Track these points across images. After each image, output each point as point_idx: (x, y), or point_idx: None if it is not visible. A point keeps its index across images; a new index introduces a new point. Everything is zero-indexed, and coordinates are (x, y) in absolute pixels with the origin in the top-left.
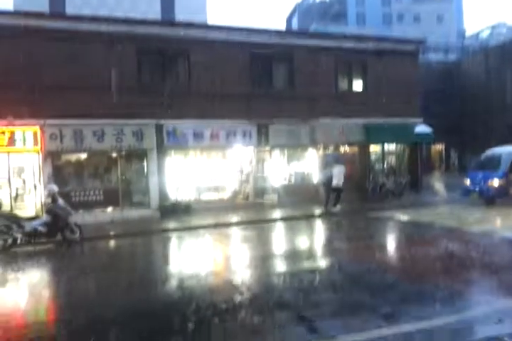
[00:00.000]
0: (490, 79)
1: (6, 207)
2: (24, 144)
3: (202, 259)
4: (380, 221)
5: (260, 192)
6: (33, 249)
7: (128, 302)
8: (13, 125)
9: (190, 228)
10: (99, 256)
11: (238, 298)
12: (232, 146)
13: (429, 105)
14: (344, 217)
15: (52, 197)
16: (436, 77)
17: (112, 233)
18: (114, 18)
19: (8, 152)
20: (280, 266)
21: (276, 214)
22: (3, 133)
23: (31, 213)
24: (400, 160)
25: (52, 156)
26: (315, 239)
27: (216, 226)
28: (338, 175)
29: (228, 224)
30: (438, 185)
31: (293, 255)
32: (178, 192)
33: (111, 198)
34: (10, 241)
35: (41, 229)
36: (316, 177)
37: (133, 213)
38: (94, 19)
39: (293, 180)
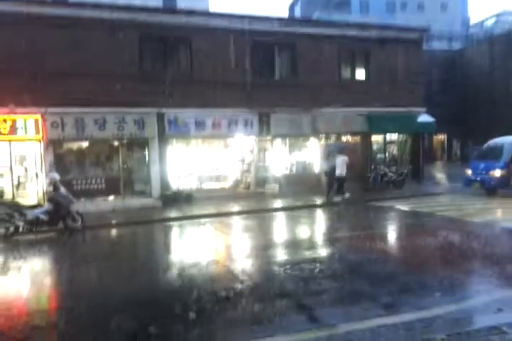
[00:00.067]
0: (494, 68)
1: (8, 196)
2: (26, 132)
3: (203, 248)
4: (381, 211)
5: (261, 181)
6: (35, 237)
7: (129, 290)
8: (15, 113)
9: (192, 217)
10: (100, 244)
11: (239, 287)
12: (233, 135)
13: (432, 94)
14: (345, 206)
15: (54, 185)
16: (440, 66)
17: (113, 221)
18: (116, 5)
19: (10, 140)
20: (281, 255)
21: (278, 203)
22: (5, 121)
23: (33, 201)
24: (402, 150)
25: (53, 144)
26: (316, 228)
27: (217, 215)
28: (341, 165)
29: (229, 214)
30: (440, 175)
31: (294, 244)
32: (179, 181)
33: (112, 187)
34: (12, 229)
35: (43, 217)
36: (317, 166)
37: (134, 202)
38: (96, 6)
39: (294, 170)
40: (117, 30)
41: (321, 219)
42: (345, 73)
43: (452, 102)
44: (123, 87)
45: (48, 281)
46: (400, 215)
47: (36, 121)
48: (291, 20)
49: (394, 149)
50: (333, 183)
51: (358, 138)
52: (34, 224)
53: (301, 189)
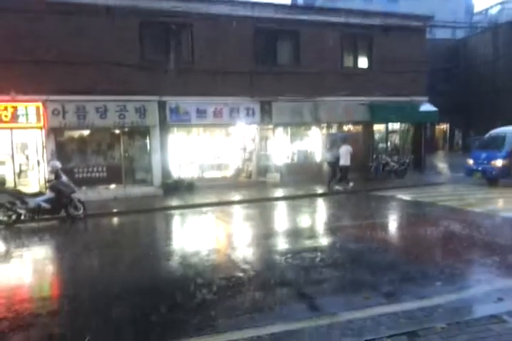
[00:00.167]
0: (498, 57)
1: (10, 183)
2: (27, 120)
3: (204, 237)
4: (383, 200)
5: (263, 170)
6: (37, 225)
7: (131, 278)
8: (16, 101)
9: (193, 206)
10: (102, 232)
11: (240, 275)
12: (235, 124)
13: (435, 83)
14: (347, 195)
15: (56, 173)
16: (443, 55)
17: (115, 210)
18: None
19: (11, 128)
20: (282, 244)
21: (279, 192)
22: (6, 109)
23: (35, 189)
24: (404, 140)
25: (55, 132)
26: (317, 217)
27: (219, 204)
28: (345, 155)
29: (231, 202)
30: (441, 164)
31: (295, 233)
32: (180, 169)
33: (114, 175)
34: (14, 217)
35: (45, 205)
36: (319, 155)
37: (136, 190)
38: None
39: (296, 159)
40: (118, 17)
41: (322, 208)
42: (348, 61)
43: (455, 91)
44: (124, 75)
45: (49, 269)
46: (401, 205)
47: (37, 109)
48: (294, 7)
49: (396, 138)
50: (336, 173)
51: (359, 128)
52: (36, 212)
53: (302, 178)
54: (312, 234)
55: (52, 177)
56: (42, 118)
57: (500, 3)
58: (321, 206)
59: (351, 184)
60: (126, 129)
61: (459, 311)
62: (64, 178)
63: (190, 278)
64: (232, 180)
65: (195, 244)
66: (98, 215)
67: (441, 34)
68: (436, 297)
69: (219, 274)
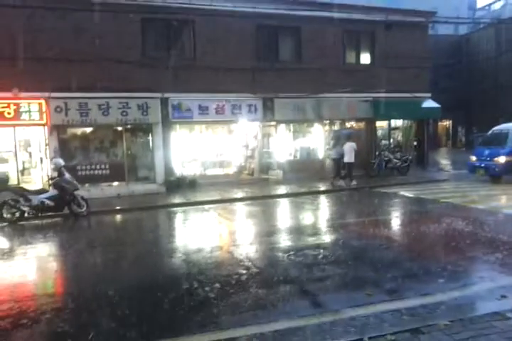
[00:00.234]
0: (500, 53)
1: (13, 181)
2: (30, 117)
3: (207, 234)
4: (386, 197)
5: (265, 167)
6: (40, 223)
7: (134, 275)
8: (19, 98)
9: (196, 203)
10: (105, 229)
11: (243, 272)
12: (237, 121)
13: (437, 80)
14: (349, 192)
15: (59, 170)
16: (445, 51)
17: (118, 207)
18: None
19: (14, 125)
20: (284, 241)
21: (282, 189)
22: (9, 106)
23: (38, 187)
24: (407, 136)
25: (57, 129)
26: (319, 214)
27: (221, 201)
28: (349, 152)
29: (233, 200)
30: (444, 161)
31: (297, 230)
32: (183, 167)
33: (117, 172)
34: (17, 214)
35: (48, 202)
36: (321, 152)
37: (139, 187)
38: None
39: (298, 156)
40: (121, 13)
41: (324, 205)
42: (350, 57)
43: (457, 88)
44: (126, 72)
45: (53, 266)
46: (404, 202)
47: (40, 106)
48: (297, 2)
49: (399, 135)
50: (340, 170)
51: (362, 124)
52: (39, 209)
53: (305, 175)
54: (315, 231)
55: (56, 174)
56: (44, 115)
57: None
58: (324, 203)
59: (354, 182)
60: (129, 126)
61: (462, 308)
62: (67, 175)
63: (193, 275)
64: (234, 177)
65: (198, 241)
66: (101, 212)
67: (444, 30)
68: (439, 294)
69: (222, 271)
